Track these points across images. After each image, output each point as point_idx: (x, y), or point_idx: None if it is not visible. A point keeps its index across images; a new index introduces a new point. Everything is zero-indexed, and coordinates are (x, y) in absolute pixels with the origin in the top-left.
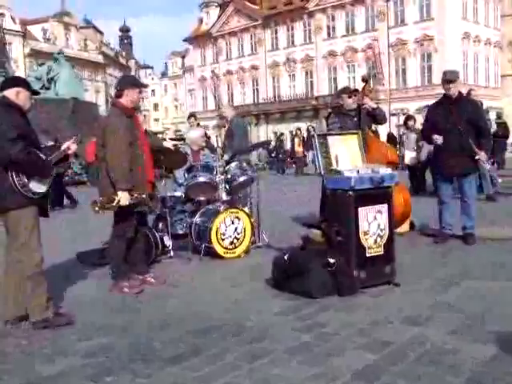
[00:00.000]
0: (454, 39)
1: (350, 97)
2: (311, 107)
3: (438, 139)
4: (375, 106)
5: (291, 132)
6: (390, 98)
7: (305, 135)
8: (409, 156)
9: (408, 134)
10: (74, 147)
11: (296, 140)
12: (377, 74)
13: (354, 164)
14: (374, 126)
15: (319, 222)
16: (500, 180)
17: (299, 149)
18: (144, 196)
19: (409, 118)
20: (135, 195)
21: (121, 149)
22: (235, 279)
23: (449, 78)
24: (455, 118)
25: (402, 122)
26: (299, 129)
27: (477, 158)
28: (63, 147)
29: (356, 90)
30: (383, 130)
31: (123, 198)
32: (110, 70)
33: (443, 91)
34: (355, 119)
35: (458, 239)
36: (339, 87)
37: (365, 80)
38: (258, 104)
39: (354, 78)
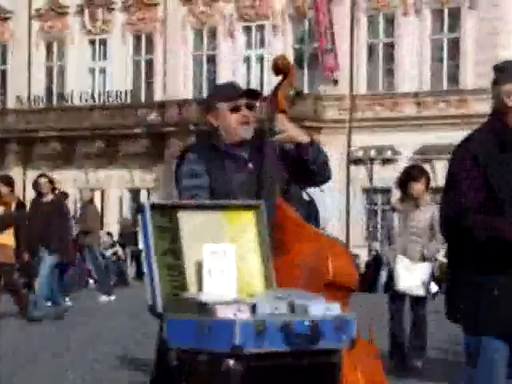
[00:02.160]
0: None
1: (234, 110)
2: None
3: None
4: (307, 137)
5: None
6: (352, 123)
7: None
8: (404, 277)
9: (401, 215)
10: None
11: None
12: (321, 52)
13: (246, 287)
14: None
15: None
16: None
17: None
18: None
19: (412, 175)
20: None
21: None
22: None
23: None
24: None
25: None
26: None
27: None
28: None
29: (255, 95)
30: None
31: None
32: None
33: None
34: (250, 166)
35: None
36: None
37: (283, 71)
38: None
39: (260, 60)
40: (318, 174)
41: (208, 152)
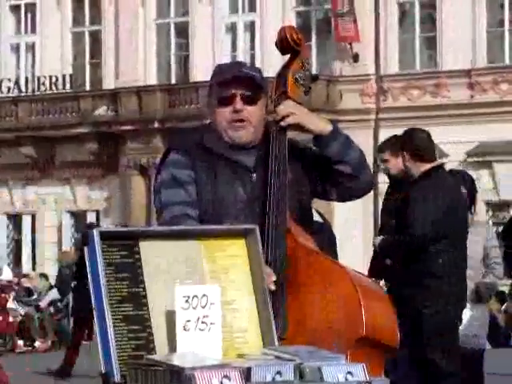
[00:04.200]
0: None
1: (224, 102)
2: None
3: None
4: (326, 125)
5: None
6: (380, 114)
7: None
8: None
9: None
10: None
11: None
12: (335, 16)
13: (236, 345)
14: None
15: None
16: None
17: None
18: None
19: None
20: None
21: None
22: None
23: None
24: None
25: None
26: None
27: None
28: None
29: (256, 84)
30: None
31: None
32: None
33: None
34: (253, 177)
35: None
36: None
37: (293, 48)
38: None
39: (250, 29)
40: (352, 177)
41: (197, 153)
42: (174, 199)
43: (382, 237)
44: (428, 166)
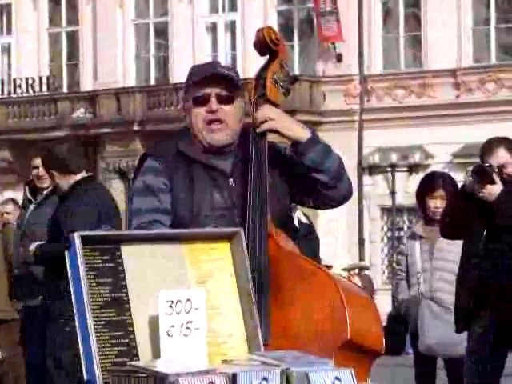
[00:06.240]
0: None
1: (199, 102)
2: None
3: None
4: (304, 132)
5: None
6: (364, 115)
7: None
8: (432, 331)
9: (425, 244)
10: None
11: None
12: (317, 14)
13: (221, 351)
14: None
15: None
16: None
17: None
18: None
19: (426, 187)
20: None
21: None
22: None
23: None
24: None
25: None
26: None
27: None
28: None
29: (233, 82)
30: None
31: None
32: None
33: None
34: (230, 182)
35: None
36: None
37: (271, 49)
38: None
39: (231, 28)
40: (329, 186)
41: (174, 159)
42: (144, 207)
43: None
44: None
